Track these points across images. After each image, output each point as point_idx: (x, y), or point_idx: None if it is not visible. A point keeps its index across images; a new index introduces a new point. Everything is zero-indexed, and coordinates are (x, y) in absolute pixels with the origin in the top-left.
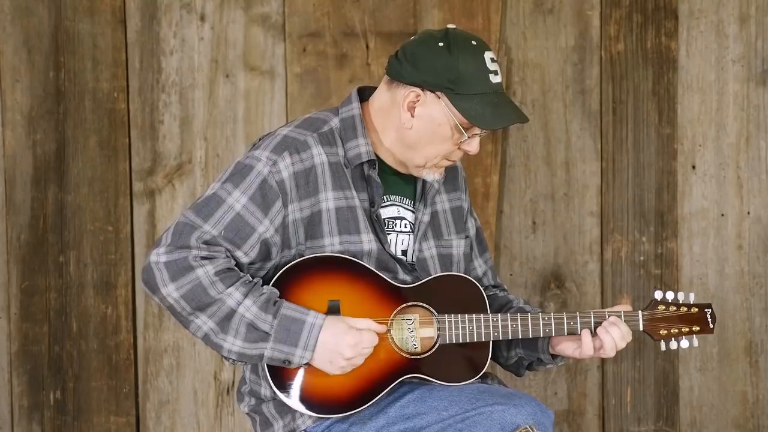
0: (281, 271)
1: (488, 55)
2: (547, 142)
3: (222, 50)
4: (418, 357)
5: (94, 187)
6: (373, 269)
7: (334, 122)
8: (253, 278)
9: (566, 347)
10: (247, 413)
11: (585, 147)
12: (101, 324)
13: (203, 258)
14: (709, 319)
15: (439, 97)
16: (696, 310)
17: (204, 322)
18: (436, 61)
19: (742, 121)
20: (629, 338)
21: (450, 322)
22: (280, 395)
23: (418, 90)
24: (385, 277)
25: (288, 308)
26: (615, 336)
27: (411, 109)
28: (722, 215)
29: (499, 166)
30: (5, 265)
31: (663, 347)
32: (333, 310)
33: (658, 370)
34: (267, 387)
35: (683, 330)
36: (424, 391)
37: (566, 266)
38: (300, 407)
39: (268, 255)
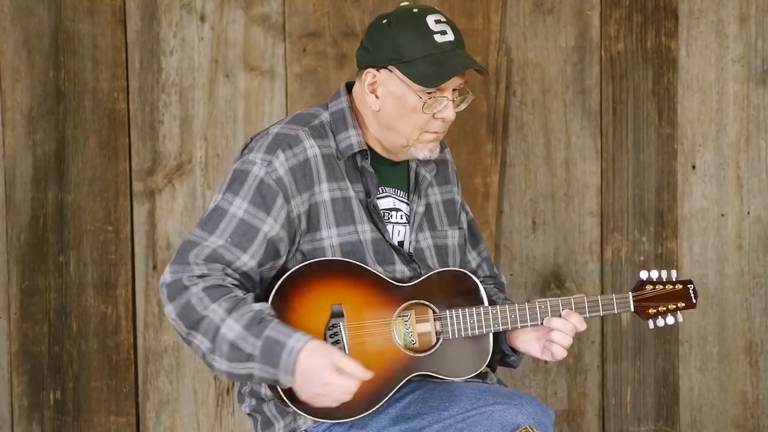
0: (283, 278)
1: (432, 18)
2: (547, 142)
3: (222, 50)
4: (423, 354)
5: (94, 187)
6: (373, 270)
7: (324, 116)
8: (248, 292)
9: (530, 347)
10: (248, 413)
11: (585, 147)
12: (101, 324)
13: (198, 276)
14: (692, 295)
15: (391, 71)
16: (680, 286)
17: (201, 342)
18: (380, 38)
19: (742, 121)
20: (582, 327)
21: (452, 318)
22: (289, 403)
23: (373, 71)
24: (385, 277)
25: (274, 329)
26: (559, 341)
27: (373, 91)
28: (722, 215)
29: (499, 166)
30: (5, 265)
31: (651, 326)
32: (336, 314)
33: (658, 370)
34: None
35: (669, 307)
36: (425, 391)
37: (566, 266)
38: (309, 413)
39: (277, 253)
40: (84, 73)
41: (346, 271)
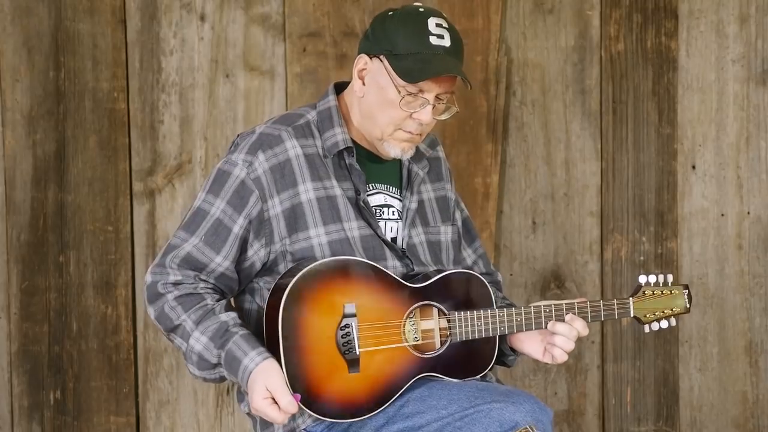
0: (297, 276)
1: (434, 21)
2: (547, 142)
3: (222, 50)
4: (430, 355)
5: (94, 187)
6: (386, 270)
7: (311, 115)
8: (223, 294)
9: (532, 349)
10: (248, 413)
11: (585, 147)
12: (101, 324)
13: (172, 284)
14: (687, 300)
15: (381, 61)
16: (677, 291)
17: (181, 343)
18: (380, 28)
19: (742, 121)
20: (585, 332)
21: (461, 320)
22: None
23: (365, 57)
24: (398, 277)
25: (235, 343)
26: (561, 345)
27: (362, 77)
28: (722, 215)
29: (499, 166)
30: (5, 265)
31: (647, 330)
32: (349, 314)
33: (658, 370)
34: None
35: (666, 312)
36: (423, 390)
37: (566, 266)
38: (319, 413)
39: (245, 247)
40: (84, 73)
41: (359, 270)
